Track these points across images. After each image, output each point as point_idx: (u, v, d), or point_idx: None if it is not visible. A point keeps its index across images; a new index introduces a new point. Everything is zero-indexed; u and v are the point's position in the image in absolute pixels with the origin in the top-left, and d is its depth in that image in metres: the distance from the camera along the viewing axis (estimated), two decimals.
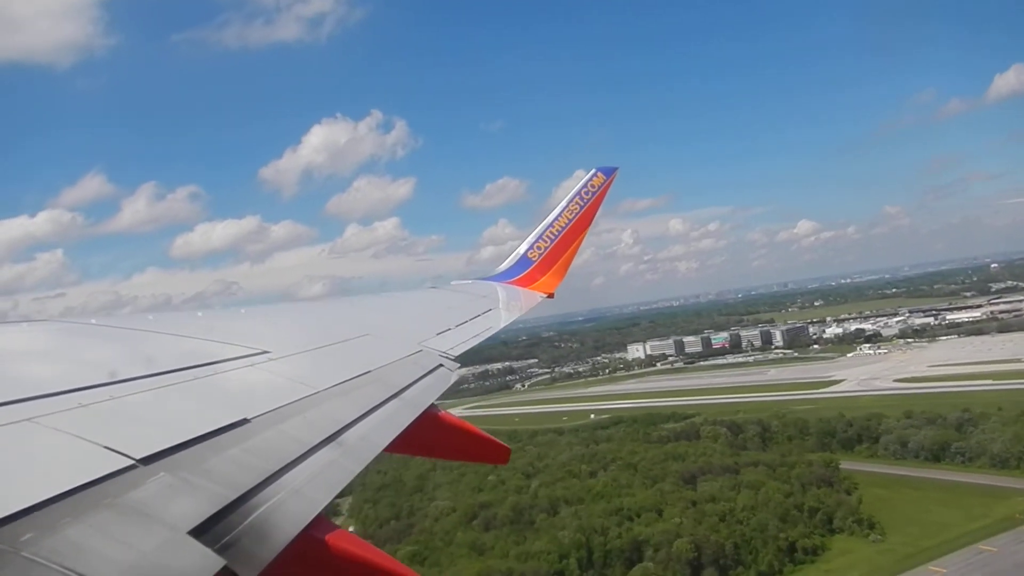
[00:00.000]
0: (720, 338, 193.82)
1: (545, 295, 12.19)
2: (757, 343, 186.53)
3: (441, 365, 5.15)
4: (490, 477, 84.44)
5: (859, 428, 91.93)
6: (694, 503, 71.10)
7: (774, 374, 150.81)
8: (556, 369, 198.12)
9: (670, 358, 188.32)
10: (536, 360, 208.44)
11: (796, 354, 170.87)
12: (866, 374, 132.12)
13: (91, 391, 2.72)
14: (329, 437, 3.05)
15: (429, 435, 4.43)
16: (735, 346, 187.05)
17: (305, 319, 6.51)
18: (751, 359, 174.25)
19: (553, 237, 12.79)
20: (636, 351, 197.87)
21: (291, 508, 2.40)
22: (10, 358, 3.23)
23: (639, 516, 69.30)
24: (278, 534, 2.22)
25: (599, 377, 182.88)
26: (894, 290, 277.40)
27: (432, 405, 4.38)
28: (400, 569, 2.98)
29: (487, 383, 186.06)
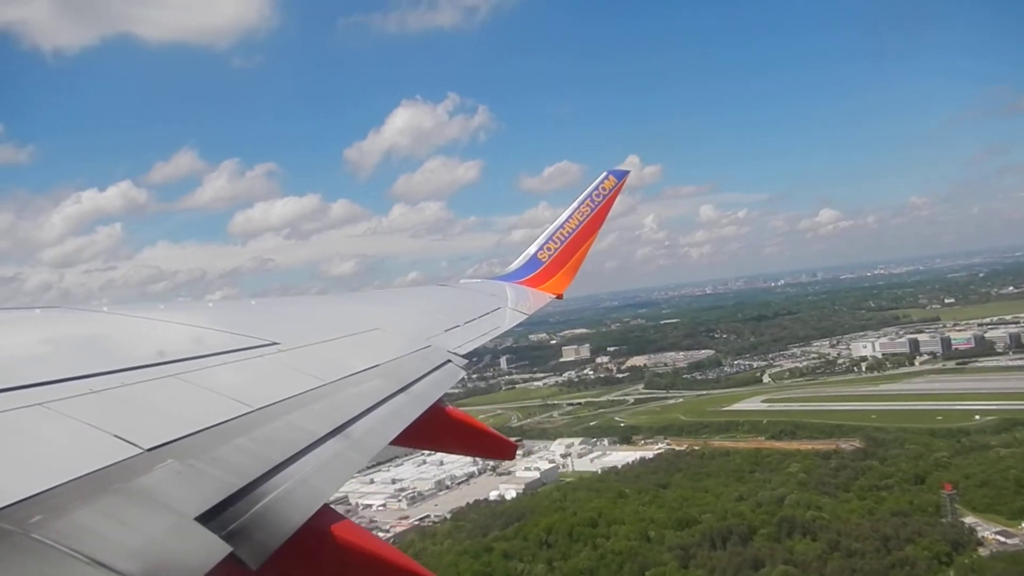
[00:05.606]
0: (962, 339, 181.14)
1: (554, 296, 12.19)
2: (1003, 345, 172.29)
3: (449, 361, 5.15)
4: None
5: None
6: None
7: None
8: (772, 362, 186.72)
9: (918, 358, 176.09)
10: (712, 352, 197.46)
11: None
12: None
13: (102, 378, 2.73)
14: (336, 429, 3.05)
15: (436, 429, 4.44)
16: (985, 348, 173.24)
17: (314, 312, 6.53)
18: None
19: (563, 239, 12.77)
20: (863, 348, 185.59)
21: (297, 498, 2.40)
22: (23, 343, 3.25)
23: None
24: (284, 523, 2.23)
25: (862, 376, 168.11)
26: None
27: (440, 400, 4.38)
28: (404, 561, 2.99)
29: (711, 374, 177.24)
